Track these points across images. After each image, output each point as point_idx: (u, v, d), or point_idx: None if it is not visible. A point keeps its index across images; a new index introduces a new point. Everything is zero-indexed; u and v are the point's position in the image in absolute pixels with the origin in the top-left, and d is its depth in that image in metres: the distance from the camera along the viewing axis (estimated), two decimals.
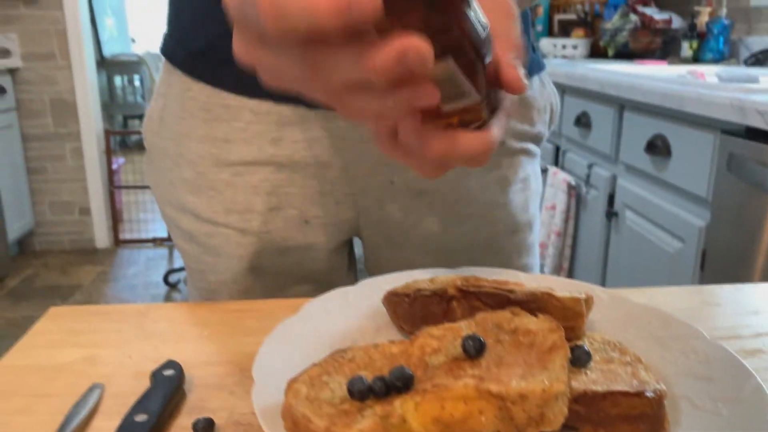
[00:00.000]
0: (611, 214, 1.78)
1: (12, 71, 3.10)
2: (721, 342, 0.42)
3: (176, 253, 3.32)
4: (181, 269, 2.95)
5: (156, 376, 0.41)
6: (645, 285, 1.64)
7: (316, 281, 0.65)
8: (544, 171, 2.22)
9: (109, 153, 3.33)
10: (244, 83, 0.56)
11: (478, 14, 0.29)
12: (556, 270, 2.06)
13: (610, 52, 2.45)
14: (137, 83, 5.72)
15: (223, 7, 0.28)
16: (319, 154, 0.59)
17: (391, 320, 0.46)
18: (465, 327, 0.37)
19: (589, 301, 0.41)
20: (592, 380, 0.35)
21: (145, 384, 0.41)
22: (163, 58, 0.65)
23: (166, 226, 0.68)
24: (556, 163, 2.20)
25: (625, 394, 0.34)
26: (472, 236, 0.65)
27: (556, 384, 0.31)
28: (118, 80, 5.63)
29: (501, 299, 0.40)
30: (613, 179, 1.79)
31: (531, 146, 0.67)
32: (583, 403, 0.34)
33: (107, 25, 5.52)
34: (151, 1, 6.15)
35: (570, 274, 2.05)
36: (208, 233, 0.62)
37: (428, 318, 0.42)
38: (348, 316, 0.47)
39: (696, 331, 0.43)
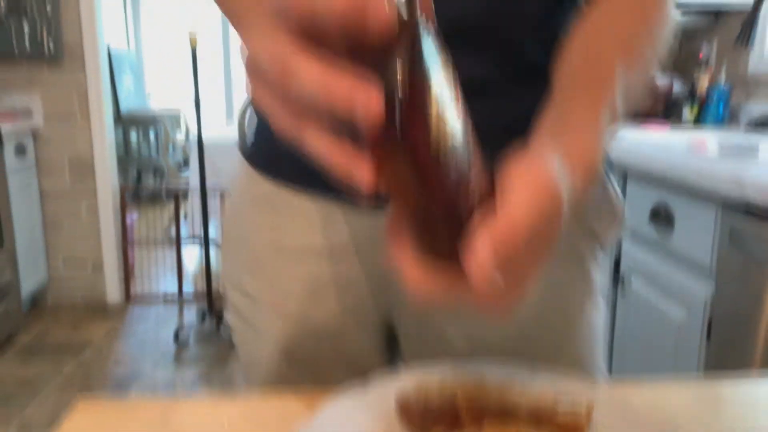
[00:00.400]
0: (618, 279, 1.80)
1: (34, 131, 3.20)
2: None
3: (187, 310, 3.35)
4: (191, 327, 2.97)
5: None
6: (652, 353, 1.65)
7: (351, 369, 0.67)
8: None
9: (123, 209, 3.40)
10: (301, 179, 0.63)
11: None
12: None
13: None
14: (152, 138, 5.87)
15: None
16: (360, 245, 0.63)
17: (401, 424, 0.49)
18: None
19: (589, 413, 0.44)
20: None
21: None
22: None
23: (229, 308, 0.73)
24: None
25: None
26: (514, 329, 0.63)
27: None
28: (133, 135, 5.77)
29: (507, 415, 0.43)
30: (619, 245, 1.82)
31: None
32: None
33: (125, 82, 5.70)
34: (168, 58, 6.35)
35: None
36: (252, 310, 0.68)
37: (438, 425, 0.45)
38: (360, 421, 0.50)
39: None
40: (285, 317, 0.65)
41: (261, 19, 0.31)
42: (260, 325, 0.67)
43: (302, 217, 0.64)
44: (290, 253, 0.65)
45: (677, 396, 0.59)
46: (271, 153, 0.65)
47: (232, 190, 0.71)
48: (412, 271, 0.36)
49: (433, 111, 0.27)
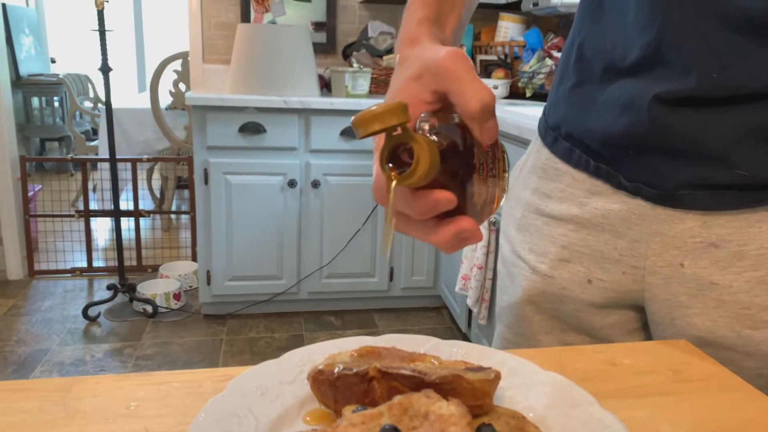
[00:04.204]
0: None
1: None
2: (615, 402, 0.47)
3: (96, 285, 3.20)
4: (101, 302, 2.84)
5: None
6: None
7: (593, 336, 0.73)
8: None
9: (24, 180, 3.19)
10: (572, 156, 0.71)
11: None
12: (478, 301, 2.13)
13: (528, 93, 2.58)
14: (56, 105, 5.50)
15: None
16: (615, 224, 0.67)
17: (315, 396, 0.48)
18: (383, 413, 0.40)
19: (496, 379, 0.45)
20: None
21: None
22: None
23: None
24: None
25: None
26: None
27: None
28: (35, 101, 5.39)
29: (417, 381, 0.43)
30: None
31: None
32: None
33: (24, 43, 5.30)
34: (72, 21, 5.95)
35: (490, 304, 2.13)
36: (512, 262, 0.79)
37: (350, 397, 0.45)
38: (273, 392, 0.49)
39: (590, 399, 0.48)
40: (537, 273, 0.74)
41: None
42: (517, 274, 0.77)
43: (567, 187, 0.72)
44: (550, 218, 0.73)
45: (581, 359, 0.62)
46: (555, 131, 0.74)
47: (529, 152, 0.80)
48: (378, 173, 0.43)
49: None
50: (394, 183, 0.38)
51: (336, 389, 0.46)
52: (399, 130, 0.38)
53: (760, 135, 0.57)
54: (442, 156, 0.38)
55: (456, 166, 0.39)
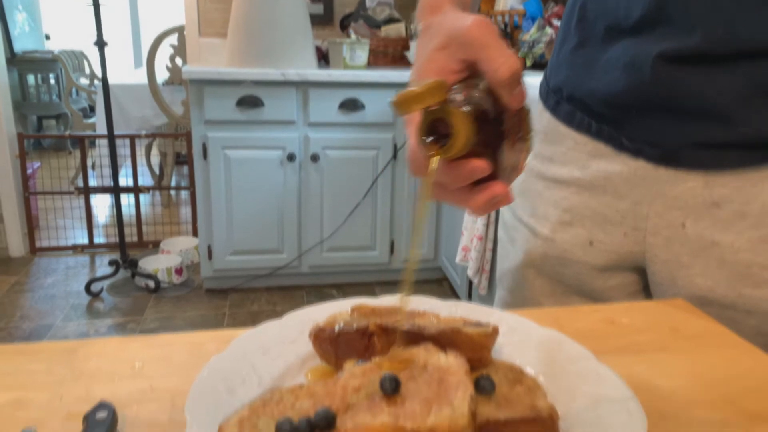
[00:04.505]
0: None
1: None
2: (612, 358, 0.48)
3: (98, 261, 3.21)
4: (103, 278, 2.86)
5: (89, 419, 0.42)
6: None
7: (595, 299, 0.73)
8: None
9: (23, 157, 3.18)
10: (575, 117, 0.71)
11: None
12: (479, 271, 2.14)
13: (528, 63, 2.56)
14: (52, 82, 5.46)
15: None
16: (617, 186, 0.68)
17: (316, 353, 0.49)
18: (383, 365, 0.41)
19: (494, 333, 0.46)
20: (495, 407, 0.40)
21: (77, 427, 0.42)
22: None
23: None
24: None
25: (523, 420, 0.39)
26: None
27: (461, 419, 0.35)
28: (30, 78, 5.35)
29: (416, 336, 0.44)
30: None
31: None
32: (487, 430, 0.38)
33: (18, 20, 5.24)
34: None
35: (491, 274, 2.14)
36: (513, 226, 0.80)
37: (351, 353, 0.46)
38: (275, 350, 0.50)
39: (587, 353, 0.49)
40: (538, 237, 0.75)
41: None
42: (518, 239, 0.78)
43: (569, 150, 0.72)
44: (551, 182, 0.74)
45: (579, 319, 0.63)
46: (556, 93, 0.74)
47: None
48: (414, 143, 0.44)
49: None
50: (436, 158, 0.40)
51: (337, 346, 0.47)
52: (435, 106, 0.40)
53: (764, 92, 0.57)
54: (476, 126, 0.40)
55: (488, 134, 0.41)
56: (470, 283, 2.45)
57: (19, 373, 0.51)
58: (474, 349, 0.44)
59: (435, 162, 0.40)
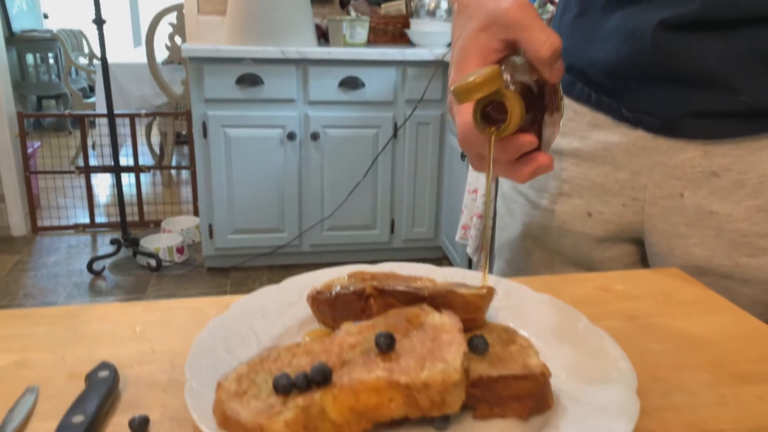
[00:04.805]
0: None
1: None
2: (605, 322, 0.49)
3: (100, 240, 3.23)
4: (105, 256, 2.88)
5: (91, 378, 0.43)
6: None
7: (592, 270, 0.74)
8: (466, 156, 2.30)
9: (23, 136, 3.18)
10: (575, 88, 0.71)
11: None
12: (478, 249, 2.15)
13: None
14: (51, 61, 5.44)
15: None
16: (616, 156, 0.68)
17: (315, 316, 0.50)
18: (378, 324, 0.42)
19: (489, 295, 0.47)
20: (488, 365, 0.41)
21: (80, 386, 0.43)
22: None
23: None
24: None
25: (515, 377, 0.40)
26: None
27: (454, 374, 0.36)
28: (29, 58, 5.33)
29: (412, 297, 0.45)
30: None
31: None
32: (480, 387, 0.39)
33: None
34: None
35: (490, 252, 2.15)
36: (512, 198, 0.80)
37: (348, 315, 0.47)
38: (273, 313, 0.51)
39: (580, 316, 0.50)
40: (537, 208, 0.76)
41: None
42: (516, 210, 0.79)
43: (568, 121, 0.72)
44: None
45: (573, 286, 0.63)
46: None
47: None
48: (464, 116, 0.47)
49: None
50: (493, 138, 0.44)
51: (334, 308, 0.48)
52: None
53: (764, 60, 0.57)
54: (524, 103, 0.43)
55: (534, 110, 0.44)
56: (470, 261, 2.46)
57: (23, 336, 0.51)
58: (468, 310, 0.45)
59: (493, 142, 0.44)
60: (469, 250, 2.20)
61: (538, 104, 0.45)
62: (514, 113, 0.42)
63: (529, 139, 0.44)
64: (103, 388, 0.42)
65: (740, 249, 0.63)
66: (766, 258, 0.62)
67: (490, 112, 0.44)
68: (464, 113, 0.46)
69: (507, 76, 0.44)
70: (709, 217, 0.64)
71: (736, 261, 0.64)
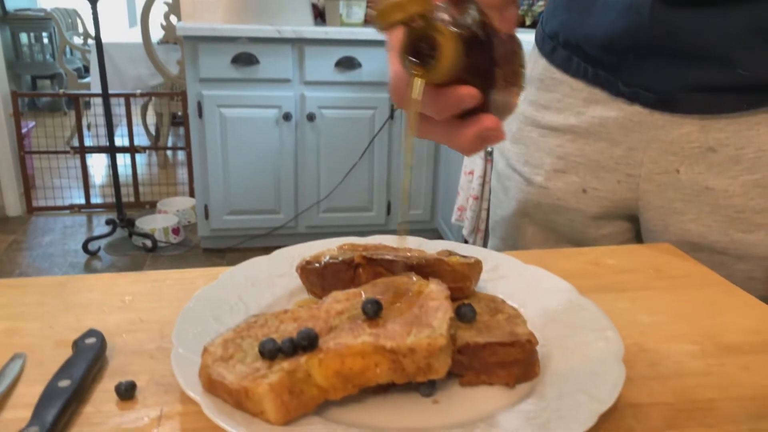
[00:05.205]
0: None
1: None
2: (595, 295, 0.49)
3: (95, 221, 3.22)
4: (101, 237, 2.87)
5: (78, 344, 0.43)
6: None
7: (585, 247, 0.72)
8: None
9: (17, 116, 3.16)
10: (572, 63, 0.70)
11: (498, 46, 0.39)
12: (474, 231, 2.15)
13: (528, 21, 2.53)
14: (45, 41, 5.38)
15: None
16: (612, 132, 0.68)
17: (304, 287, 0.50)
18: (366, 291, 0.42)
19: (477, 265, 0.47)
20: (475, 333, 0.41)
21: (67, 353, 0.43)
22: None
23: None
24: None
25: (501, 344, 0.40)
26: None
27: (440, 339, 0.36)
28: (23, 37, 5.27)
29: (400, 265, 0.45)
30: None
31: None
32: (466, 353, 0.39)
33: None
34: None
35: (485, 234, 2.16)
36: (507, 175, 0.79)
37: (337, 284, 0.47)
38: (263, 283, 0.51)
39: (569, 287, 0.50)
40: (532, 185, 0.75)
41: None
42: (511, 187, 0.78)
43: (564, 97, 0.71)
44: (546, 130, 0.73)
45: (563, 260, 0.63)
46: (553, 39, 0.73)
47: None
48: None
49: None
50: (419, 79, 0.37)
51: (323, 278, 0.48)
52: (419, 22, 0.37)
53: (763, 34, 0.57)
54: (464, 49, 0.37)
55: (477, 60, 0.38)
56: (465, 243, 2.46)
57: (12, 305, 0.51)
58: (456, 278, 0.45)
59: (419, 85, 0.37)
60: (465, 232, 2.20)
61: (486, 57, 0.38)
62: (446, 52, 0.36)
63: (469, 92, 0.37)
64: (90, 354, 0.42)
65: (736, 225, 0.63)
66: (762, 234, 0.62)
67: (422, 53, 0.37)
68: (396, 62, 0.40)
69: (446, 15, 0.38)
70: (705, 192, 0.64)
71: (732, 237, 0.64)
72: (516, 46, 0.42)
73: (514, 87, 0.41)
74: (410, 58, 0.37)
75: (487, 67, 0.39)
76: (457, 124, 0.40)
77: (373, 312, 0.39)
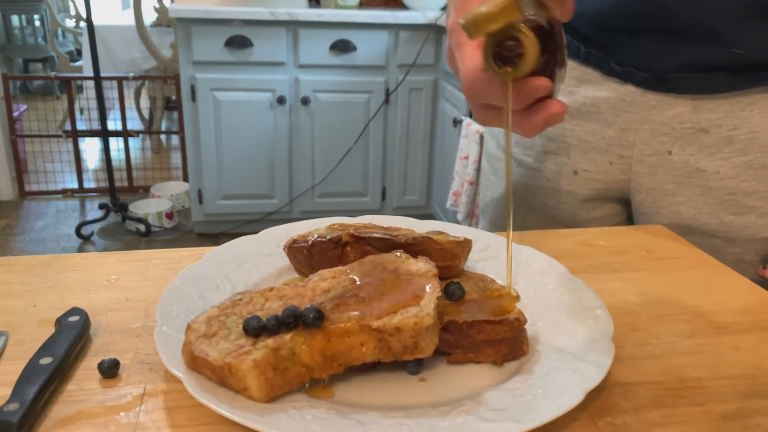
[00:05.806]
0: None
1: None
2: (586, 275, 0.48)
3: (88, 205, 3.20)
4: (94, 221, 2.86)
5: (61, 322, 0.42)
6: None
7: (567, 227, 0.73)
8: (459, 122, 2.28)
9: (8, 98, 3.12)
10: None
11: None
12: (469, 216, 2.15)
13: None
14: (37, 23, 5.32)
15: None
16: (604, 112, 0.67)
17: (292, 266, 0.49)
18: (353, 269, 0.41)
19: (466, 244, 0.46)
20: (463, 311, 0.40)
21: (50, 331, 0.43)
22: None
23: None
24: (470, 114, 2.26)
25: (489, 322, 0.39)
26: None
27: (426, 318, 0.35)
28: (15, 20, 5.21)
29: (389, 244, 0.44)
30: None
31: None
32: (454, 331, 0.39)
33: None
34: None
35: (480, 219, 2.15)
36: (498, 157, 0.79)
37: (325, 263, 0.46)
38: (250, 262, 0.50)
39: (560, 267, 0.49)
40: (522, 166, 0.75)
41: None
42: (501, 169, 0.78)
43: None
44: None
45: (556, 241, 0.63)
46: None
47: None
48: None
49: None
50: (510, 78, 0.40)
51: (311, 257, 0.47)
52: (506, 27, 0.38)
53: (757, 12, 0.56)
54: (541, 45, 0.39)
55: (547, 51, 0.40)
56: None
57: None
58: (445, 257, 0.44)
59: (511, 83, 0.39)
60: (460, 217, 2.20)
61: (550, 47, 0.41)
62: (531, 49, 0.38)
63: (544, 83, 0.39)
64: (73, 332, 0.41)
65: (727, 207, 0.63)
66: (752, 216, 0.62)
67: (501, 54, 0.40)
68: (469, 58, 0.42)
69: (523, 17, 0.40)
70: (697, 174, 0.64)
71: (723, 219, 0.63)
72: (562, 33, 0.43)
73: (564, 66, 0.44)
74: (496, 60, 0.40)
75: (551, 57, 0.41)
76: (524, 112, 0.42)
77: (359, 290, 0.38)
